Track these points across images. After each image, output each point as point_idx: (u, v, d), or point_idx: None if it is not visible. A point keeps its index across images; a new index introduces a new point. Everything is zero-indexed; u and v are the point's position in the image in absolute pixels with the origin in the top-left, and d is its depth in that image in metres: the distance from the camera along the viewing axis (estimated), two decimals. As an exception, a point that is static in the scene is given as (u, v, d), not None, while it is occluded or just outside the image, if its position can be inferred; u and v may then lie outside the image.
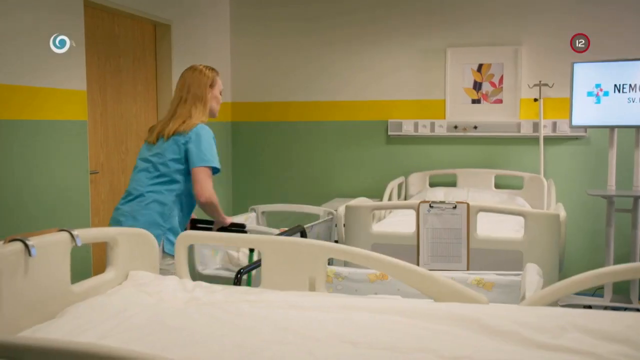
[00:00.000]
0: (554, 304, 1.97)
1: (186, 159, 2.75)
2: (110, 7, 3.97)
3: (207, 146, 2.74)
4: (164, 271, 2.71)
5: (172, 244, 2.63)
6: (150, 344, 1.57)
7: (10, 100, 3.18)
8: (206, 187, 2.71)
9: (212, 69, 2.94)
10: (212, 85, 2.89)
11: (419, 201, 3.28)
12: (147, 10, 4.33)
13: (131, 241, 2.11)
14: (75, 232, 1.86)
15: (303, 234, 2.85)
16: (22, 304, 1.68)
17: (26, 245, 1.67)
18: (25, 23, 3.24)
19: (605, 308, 4.29)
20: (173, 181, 2.78)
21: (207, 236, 2.25)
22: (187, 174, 2.76)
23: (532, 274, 2.20)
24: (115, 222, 2.79)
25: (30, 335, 1.58)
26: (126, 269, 2.09)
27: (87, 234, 1.96)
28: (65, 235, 1.84)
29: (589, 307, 4.31)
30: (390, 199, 4.68)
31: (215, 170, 2.77)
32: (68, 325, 1.65)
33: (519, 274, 2.38)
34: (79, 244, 1.86)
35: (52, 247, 1.79)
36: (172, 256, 2.62)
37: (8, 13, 3.15)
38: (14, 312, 1.65)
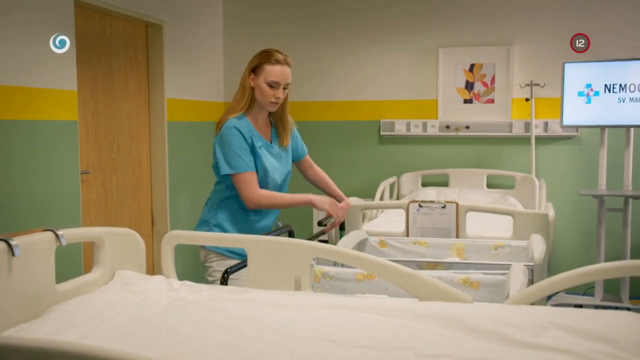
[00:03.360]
0: (541, 302, 1.98)
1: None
2: (101, 7, 3.97)
3: (228, 150, 2.55)
4: (206, 268, 2.71)
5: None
6: (133, 342, 1.58)
7: (0, 100, 3.18)
8: (245, 194, 2.55)
9: (268, 55, 2.59)
10: (255, 71, 2.59)
11: (408, 201, 3.29)
12: (139, 10, 4.33)
13: (117, 240, 2.12)
14: (59, 232, 1.87)
15: (291, 234, 2.85)
16: (6, 303, 1.68)
17: (9, 245, 1.68)
18: (15, 23, 3.24)
19: (596, 307, 4.31)
20: (219, 181, 2.72)
21: (192, 236, 2.26)
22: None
23: (517, 273, 2.21)
24: None
25: (13, 335, 1.59)
26: (113, 269, 2.10)
27: (72, 234, 1.96)
28: (49, 234, 1.85)
29: (580, 306, 4.33)
30: (382, 198, 4.69)
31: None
32: (52, 324, 1.66)
33: (505, 273, 2.39)
34: (64, 243, 1.87)
35: (36, 247, 1.80)
36: (213, 252, 2.64)
37: (-2, 13, 3.15)
38: (-2, 311, 1.66)
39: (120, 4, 4.10)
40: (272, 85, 2.58)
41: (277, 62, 2.58)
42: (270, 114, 2.76)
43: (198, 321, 1.74)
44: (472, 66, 5.07)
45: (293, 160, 2.92)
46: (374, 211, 4.42)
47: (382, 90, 5.31)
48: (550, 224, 3.09)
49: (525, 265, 2.60)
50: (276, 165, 2.71)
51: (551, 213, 3.17)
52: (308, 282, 2.06)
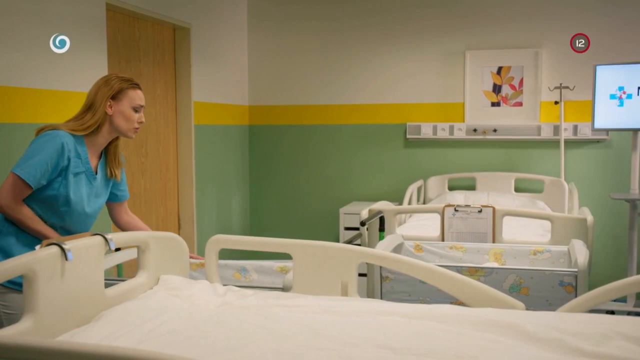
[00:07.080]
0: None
1: None
2: (130, 11, 3.97)
3: (35, 154, 2.28)
4: None
5: None
6: (188, 348, 1.56)
7: (34, 103, 3.18)
8: (3, 195, 2.24)
9: (128, 81, 2.49)
10: (115, 98, 2.44)
11: (443, 205, 3.27)
12: (167, 13, 4.33)
13: (162, 245, 2.11)
14: (109, 236, 1.86)
15: None
16: (59, 307, 1.68)
17: (63, 250, 1.67)
18: (48, 27, 3.24)
19: (629, 313, 4.25)
20: None
21: (238, 240, 2.24)
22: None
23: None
24: None
25: (68, 340, 1.58)
26: (157, 273, 2.09)
27: (120, 238, 1.95)
28: (99, 239, 1.84)
29: (612, 312, 4.27)
30: (410, 202, 4.66)
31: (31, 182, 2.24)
32: (105, 329, 1.65)
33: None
34: (113, 247, 1.86)
35: (87, 251, 1.79)
36: None
37: (31, 17, 3.15)
38: (51, 315, 1.65)
39: (148, 7, 4.10)
40: (137, 109, 2.49)
41: (137, 86, 2.51)
42: (107, 146, 2.56)
43: (250, 328, 1.72)
44: (499, 69, 5.03)
45: (111, 200, 2.64)
46: (404, 215, 4.39)
47: (408, 93, 5.27)
48: (588, 228, 3.04)
49: (568, 271, 2.57)
50: (85, 196, 2.43)
51: (589, 217, 3.13)
52: (355, 287, 2.03)
